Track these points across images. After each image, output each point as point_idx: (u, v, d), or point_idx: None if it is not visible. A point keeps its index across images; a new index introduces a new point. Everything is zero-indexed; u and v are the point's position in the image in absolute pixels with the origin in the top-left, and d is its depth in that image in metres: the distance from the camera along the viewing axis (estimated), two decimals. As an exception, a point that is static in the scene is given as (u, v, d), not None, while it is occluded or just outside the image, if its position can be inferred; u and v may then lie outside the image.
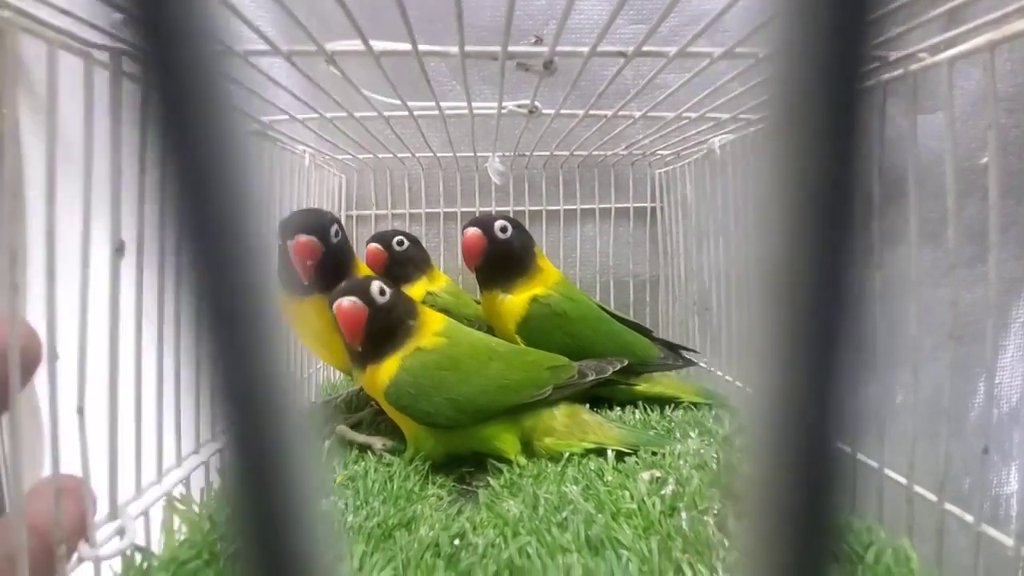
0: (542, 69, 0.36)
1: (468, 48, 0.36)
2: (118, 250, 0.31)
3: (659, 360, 0.62)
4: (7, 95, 0.24)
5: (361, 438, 0.51)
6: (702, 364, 0.69)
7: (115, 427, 0.33)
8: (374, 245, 0.67)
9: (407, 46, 0.36)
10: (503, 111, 0.47)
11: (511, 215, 0.77)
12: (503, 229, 0.59)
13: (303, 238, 0.50)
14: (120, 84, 0.30)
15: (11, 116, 0.25)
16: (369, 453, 0.49)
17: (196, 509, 0.39)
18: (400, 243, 0.67)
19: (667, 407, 0.59)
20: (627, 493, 0.39)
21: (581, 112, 0.55)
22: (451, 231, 0.77)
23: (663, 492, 0.38)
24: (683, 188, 0.72)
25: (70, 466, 0.30)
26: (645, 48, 0.38)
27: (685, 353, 0.64)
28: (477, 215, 0.66)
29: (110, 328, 0.32)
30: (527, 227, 0.78)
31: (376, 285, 0.47)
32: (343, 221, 0.78)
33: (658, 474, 0.41)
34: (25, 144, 0.38)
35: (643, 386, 0.61)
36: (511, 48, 0.37)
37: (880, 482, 0.37)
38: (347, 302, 0.46)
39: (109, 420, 0.33)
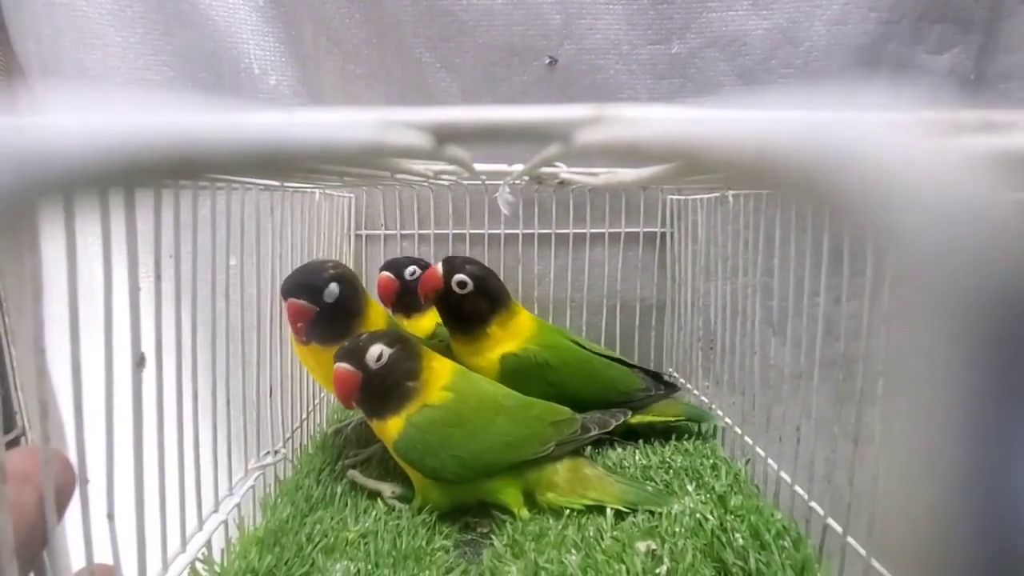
0: (557, 186, 0.36)
1: (481, 167, 0.35)
2: (139, 363, 0.32)
3: (642, 390, 0.64)
4: (30, 254, 0.25)
5: (371, 484, 0.53)
6: (695, 392, 0.70)
7: (142, 512, 0.35)
8: (386, 274, 0.68)
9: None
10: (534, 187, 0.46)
11: (521, 236, 0.77)
12: (461, 284, 0.57)
13: (293, 302, 0.51)
14: (134, 204, 0.30)
15: (34, 266, 0.25)
16: (379, 501, 0.51)
17: (219, 571, 0.41)
18: (412, 273, 0.68)
19: (666, 448, 0.61)
20: (624, 567, 0.41)
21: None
22: (460, 252, 0.78)
23: (658, 571, 0.41)
24: (694, 216, 0.72)
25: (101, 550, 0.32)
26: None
27: (667, 377, 0.67)
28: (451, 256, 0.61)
29: (134, 425, 0.33)
30: (535, 250, 0.78)
31: (374, 351, 0.48)
32: (351, 241, 0.78)
33: (654, 546, 0.43)
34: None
35: (635, 418, 0.63)
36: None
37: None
38: (341, 368, 0.47)
39: (136, 507, 0.34)
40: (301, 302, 0.51)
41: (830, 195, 0.08)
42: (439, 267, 0.58)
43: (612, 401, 0.61)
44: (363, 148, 0.12)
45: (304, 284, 0.52)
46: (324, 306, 0.52)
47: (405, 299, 0.68)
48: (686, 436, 0.63)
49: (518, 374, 0.57)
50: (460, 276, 0.57)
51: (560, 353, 0.61)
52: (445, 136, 0.14)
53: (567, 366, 0.60)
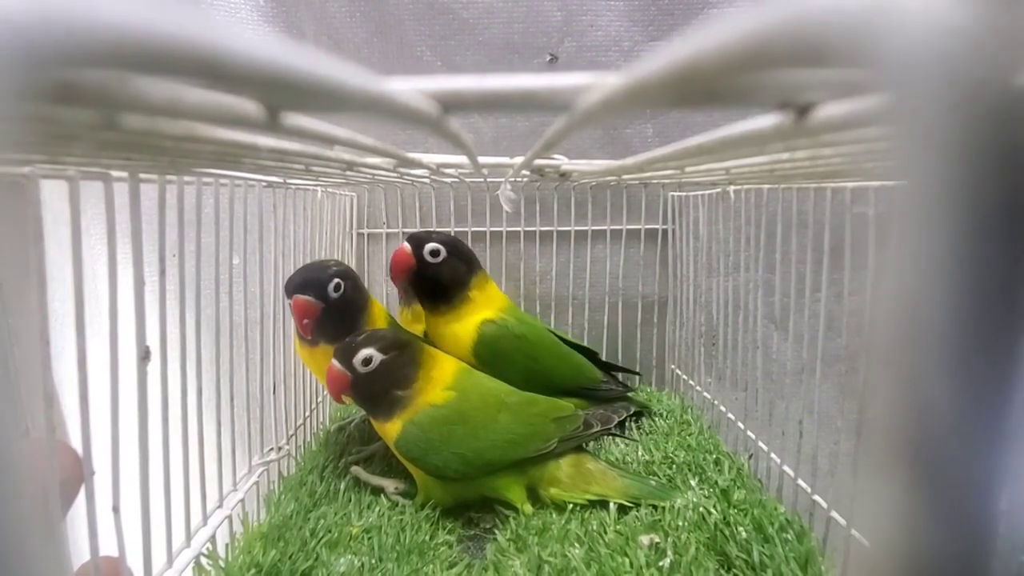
0: (558, 178, 0.36)
1: (484, 159, 0.36)
2: (144, 357, 0.32)
3: (605, 381, 0.65)
4: (33, 242, 0.25)
5: (375, 480, 0.53)
6: (697, 388, 0.70)
7: (147, 507, 0.35)
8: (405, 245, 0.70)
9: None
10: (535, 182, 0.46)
11: (523, 234, 0.77)
12: (434, 253, 0.56)
13: (299, 298, 0.51)
14: (138, 199, 0.30)
15: (38, 261, 0.25)
16: (382, 497, 0.51)
17: (223, 566, 0.41)
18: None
19: (669, 443, 0.61)
20: (627, 560, 0.41)
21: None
22: (462, 250, 0.78)
23: (661, 564, 0.41)
24: (695, 212, 0.72)
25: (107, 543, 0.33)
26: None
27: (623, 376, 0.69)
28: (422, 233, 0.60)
29: (139, 420, 0.34)
30: (537, 248, 0.78)
31: (363, 354, 0.48)
32: (352, 240, 0.78)
33: (657, 539, 0.43)
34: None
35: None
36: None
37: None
38: (332, 365, 0.48)
39: (141, 501, 0.35)
40: (307, 298, 0.51)
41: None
42: (405, 245, 0.56)
43: (582, 386, 0.62)
44: (369, 96, 0.12)
45: (309, 281, 0.52)
46: (330, 302, 0.52)
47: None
48: (689, 432, 0.63)
49: (496, 344, 0.57)
50: (431, 245, 0.56)
51: (535, 330, 0.61)
52: (450, 104, 0.14)
53: (542, 342, 0.60)
